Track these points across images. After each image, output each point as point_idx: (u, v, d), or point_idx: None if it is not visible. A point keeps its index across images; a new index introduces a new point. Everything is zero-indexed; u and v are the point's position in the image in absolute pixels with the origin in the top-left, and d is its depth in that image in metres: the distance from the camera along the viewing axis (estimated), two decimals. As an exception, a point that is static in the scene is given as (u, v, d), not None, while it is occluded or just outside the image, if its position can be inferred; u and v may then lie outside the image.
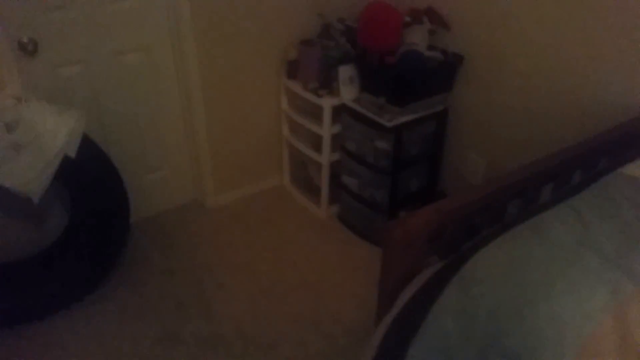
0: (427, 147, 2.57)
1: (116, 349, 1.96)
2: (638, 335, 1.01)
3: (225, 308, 2.16)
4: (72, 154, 1.92)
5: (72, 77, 2.17)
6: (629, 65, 1.85)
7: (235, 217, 2.72)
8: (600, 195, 1.44)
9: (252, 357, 1.93)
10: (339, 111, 2.50)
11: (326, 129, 2.51)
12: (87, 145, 2.01)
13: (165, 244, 2.52)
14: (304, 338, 2.02)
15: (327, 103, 2.44)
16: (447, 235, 1.37)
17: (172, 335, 2.02)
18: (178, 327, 2.06)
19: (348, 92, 2.46)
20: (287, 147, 2.88)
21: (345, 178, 2.63)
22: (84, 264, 2.15)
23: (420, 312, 1.23)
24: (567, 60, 2.03)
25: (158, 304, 2.17)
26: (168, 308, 2.15)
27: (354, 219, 2.66)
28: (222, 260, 2.42)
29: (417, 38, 2.40)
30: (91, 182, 2.06)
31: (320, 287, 2.28)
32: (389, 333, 1.27)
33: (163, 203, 2.74)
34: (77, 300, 2.16)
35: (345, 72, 2.43)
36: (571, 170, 1.61)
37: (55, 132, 1.86)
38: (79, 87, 2.21)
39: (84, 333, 2.03)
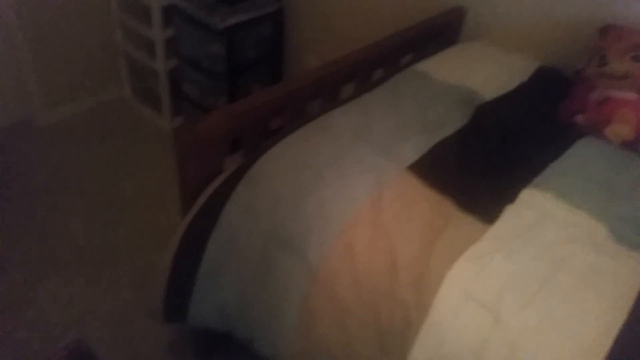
0: (265, 50, 2.55)
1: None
2: (388, 213, 1.16)
3: (59, 229, 2.10)
4: None
5: None
6: None
7: (71, 134, 2.58)
8: (389, 90, 1.54)
9: (89, 275, 1.93)
10: (171, 12, 2.38)
11: (157, 32, 2.38)
12: None
13: (-7, 168, 2.34)
14: (143, 252, 2.05)
15: (155, 2, 2.29)
16: (246, 135, 1.41)
17: (4, 261, 1.95)
18: (10, 253, 1.98)
19: (178, -8, 2.33)
20: (124, 55, 2.71)
21: (185, 86, 2.56)
22: None
23: (216, 209, 1.30)
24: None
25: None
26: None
27: (199, 127, 2.63)
28: (58, 181, 2.32)
29: None
30: None
31: (161, 199, 2.28)
32: (190, 229, 1.33)
33: (-15, 124, 2.50)
34: None
35: (171, -31, 2.28)
36: (372, 67, 1.70)
37: None
38: None
39: None
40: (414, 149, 1.31)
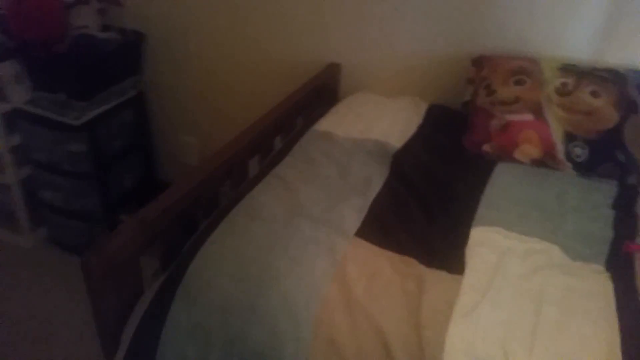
0: (131, 137, 2.32)
1: None
2: (358, 290, 1.05)
3: None
4: None
5: None
6: (313, 26, 1.92)
7: None
8: (300, 157, 1.46)
9: None
10: (14, 118, 2.05)
11: (1, 142, 2.03)
12: None
13: None
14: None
15: (-8, 110, 1.96)
16: (163, 240, 1.21)
17: None
18: None
19: (18, 94, 2.02)
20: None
21: (44, 194, 2.20)
22: None
23: (152, 341, 1.07)
24: (258, 24, 2.01)
25: None
26: None
27: (69, 237, 2.27)
28: None
29: (87, 20, 2.10)
30: None
31: (49, 329, 1.89)
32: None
33: None
34: None
35: (6, 70, 1.97)
36: (273, 136, 1.61)
37: None
38: None
39: None
40: (354, 214, 1.24)
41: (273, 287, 1.05)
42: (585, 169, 1.41)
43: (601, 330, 0.97)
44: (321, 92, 1.88)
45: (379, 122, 1.62)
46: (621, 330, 0.97)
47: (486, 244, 1.17)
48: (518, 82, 1.52)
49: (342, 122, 1.62)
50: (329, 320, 1.01)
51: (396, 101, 1.76)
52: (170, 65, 2.25)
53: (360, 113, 1.68)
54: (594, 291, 1.06)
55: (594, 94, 1.44)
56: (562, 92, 1.47)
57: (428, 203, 1.31)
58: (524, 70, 1.54)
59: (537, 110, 1.46)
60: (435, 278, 1.08)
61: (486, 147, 1.49)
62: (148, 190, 2.45)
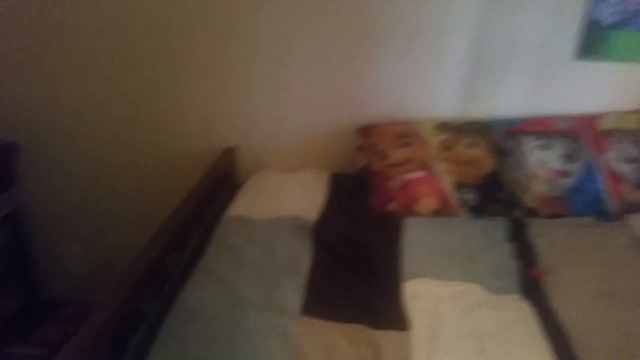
0: (7, 260, 2.09)
1: None
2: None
3: None
4: None
5: None
6: (201, 112, 1.95)
7: None
8: (222, 247, 1.45)
9: None
10: None
11: None
12: None
13: None
14: None
15: None
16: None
17: None
18: None
19: None
20: None
21: None
22: None
23: None
24: (142, 120, 1.99)
25: None
26: None
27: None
28: None
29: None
30: None
31: None
32: None
33: None
34: None
35: None
36: (187, 229, 1.58)
37: None
38: None
39: None
40: (294, 294, 1.26)
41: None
42: (477, 211, 1.60)
43: (537, 353, 1.09)
44: (221, 178, 1.89)
45: (288, 198, 1.68)
46: (552, 348, 1.11)
47: (420, 296, 1.26)
48: (405, 145, 1.70)
49: (253, 204, 1.65)
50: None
51: (298, 175, 1.84)
52: (49, 174, 2.11)
53: (269, 192, 1.73)
54: (519, 318, 1.19)
55: (470, 145, 1.66)
56: (444, 147, 1.68)
57: (356, 267, 1.38)
58: (407, 134, 1.72)
59: (427, 167, 1.64)
60: (387, 339, 1.13)
61: (391, 206, 1.62)
62: (35, 314, 2.20)
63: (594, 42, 1.71)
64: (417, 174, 1.63)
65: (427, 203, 1.60)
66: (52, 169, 2.10)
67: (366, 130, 1.81)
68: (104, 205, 2.15)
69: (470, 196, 1.60)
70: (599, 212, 1.58)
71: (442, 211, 1.60)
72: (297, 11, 1.75)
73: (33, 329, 2.09)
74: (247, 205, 1.66)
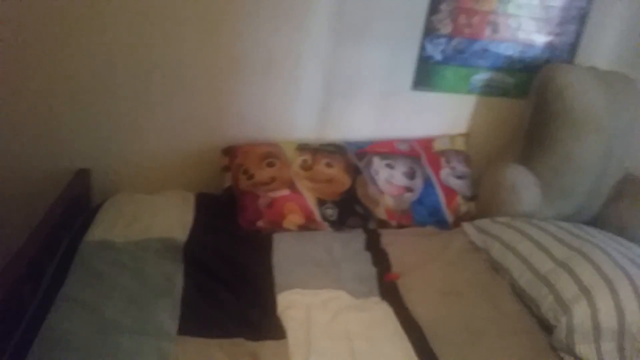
0: None
1: None
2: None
3: None
4: None
5: None
6: (51, 128, 1.81)
7: None
8: (85, 273, 1.37)
9: None
10: None
11: None
12: None
13: None
14: None
15: None
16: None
17: None
18: None
19: None
20: None
21: None
22: None
23: None
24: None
25: None
26: None
27: None
28: None
29: None
30: None
31: None
32: None
33: None
34: None
35: None
36: (44, 259, 1.45)
37: None
38: None
39: None
40: (169, 315, 1.25)
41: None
42: (338, 224, 1.74)
43: (400, 347, 1.24)
44: (74, 201, 1.77)
45: (154, 219, 1.64)
46: (411, 342, 1.26)
47: (292, 305, 1.34)
48: (270, 165, 1.78)
49: (115, 227, 1.58)
50: None
51: (161, 197, 1.80)
52: None
53: (131, 214, 1.67)
54: (382, 318, 1.34)
55: (328, 165, 1.81)
56: (305, 167, 1.80)
57: (230, 283, 1.41)
58: (271, 154, 1.81)
59: (291, 185, 1.74)
60: (266, 349, 1.19)
61: (260, 223, 1.68)
62: None
63: (427, 75, 1.99)
64: (283, 192, 1.72)
65: (293, 219, 1.70)
66: None
67: (231, 151, 1.86)
68: None
69: (331, 211, 1.74)
70: (438, 221, 1.83)
71: (307, 226, 1.71)
72: (156, 33, 1.74)
73: None
74: (108, 228, 1.58)
